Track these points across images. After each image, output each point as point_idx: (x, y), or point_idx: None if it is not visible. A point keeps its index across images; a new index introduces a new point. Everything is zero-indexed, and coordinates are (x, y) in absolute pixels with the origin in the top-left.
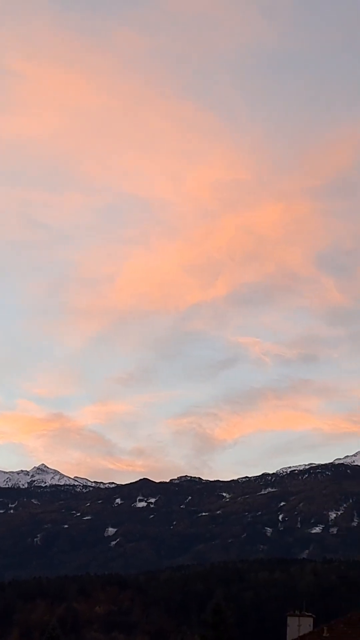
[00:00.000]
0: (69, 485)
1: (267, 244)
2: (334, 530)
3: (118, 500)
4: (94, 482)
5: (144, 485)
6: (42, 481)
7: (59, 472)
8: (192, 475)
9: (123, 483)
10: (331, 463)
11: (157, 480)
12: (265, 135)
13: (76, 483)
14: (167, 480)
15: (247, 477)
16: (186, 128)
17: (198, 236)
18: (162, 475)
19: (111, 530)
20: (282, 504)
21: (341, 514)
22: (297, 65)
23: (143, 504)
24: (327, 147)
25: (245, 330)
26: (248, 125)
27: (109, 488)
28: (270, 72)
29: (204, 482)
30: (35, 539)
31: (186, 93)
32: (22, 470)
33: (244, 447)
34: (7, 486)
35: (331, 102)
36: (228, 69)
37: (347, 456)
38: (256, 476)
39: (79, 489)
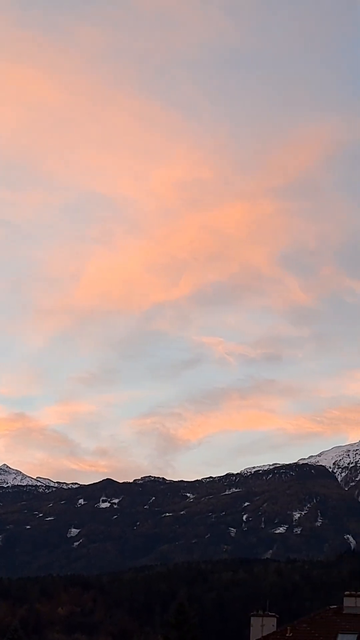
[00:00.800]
0: (32, 485)
1: (231, 244)
2: (298, 530)
3: (81, 501)
4: (57, 482)
5: (108, 486)
6: (4, 482)
7: (21, 472)
8: (156, 476)
9: (86, 483)
10: (295, 463)
11: (120, 481)
12: (229, 135)
13: (39, 483)
14: (131, 481)
15: (211, 477)
16: (149, 126)
17: (161, 235)
18: (125, 475)
19: (74, 531)
20: (246, 504)
21: (305, 514)
22: (261, 64)
23: (106, 504)
24: (291, 146)
25: (209, 330)
26: (211, 125)
27: (72, 488)
28: (234, 72)
29: (167, 483)
30: None
31: (149, 91)
32: None
33: (208, 447)
34: None
35: (294, 101)
36: (191, 67)
37: (312, 456)
38: (220, 476)
39: (41, 490)
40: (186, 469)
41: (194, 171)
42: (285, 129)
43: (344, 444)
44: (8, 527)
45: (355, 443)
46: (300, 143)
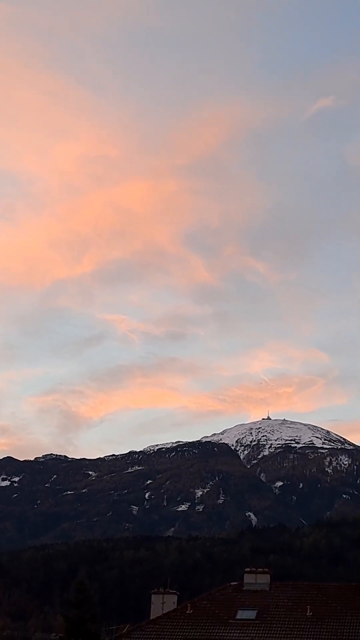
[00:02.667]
0: None
1: (135, 221)
2: (200, 507)
3: None
4: None
5: (8, 464)
6: None
7: None
8: (58, 454)
9: None
10: (198, 441)
11: (21, 459)
12: (135, 112)
13: None
14: (32, 459)
15: (114, 455)
16: (53, 101)
17: (65, 211)
18: (26, 453)
19: None
20: (148, 482)
21: (207, 491)
22: (168, 43)
23: (6, 482)
24: (196, 125)
25: (112, 308)
26: (117, 102)
27: None
28: (141, 50)
29: (69, 461)
30: None
31: (55, 66)
32: None
33: (111, 425)
34: None
35: (200, 81)
36: (98, 44)
37: (215, 434)
38: (123, 454)
39: None
40: (88, 446)
41: (99, 148)
42: (191, 108)
43: (246, 422)
44: None
45: (257, 421)
46: (205, 122)
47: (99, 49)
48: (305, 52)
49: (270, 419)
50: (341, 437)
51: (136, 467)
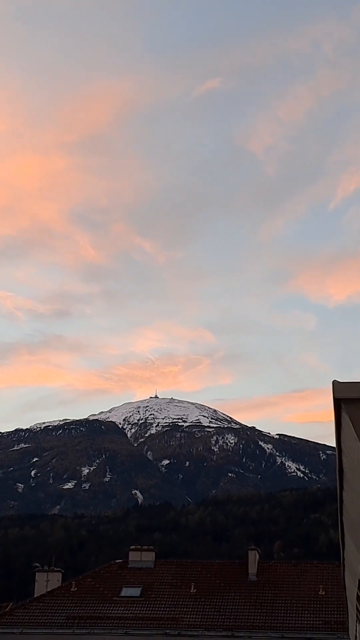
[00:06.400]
0: None
1: (22, 198)
2: (86, 485)
3: None
4: None
5: None
6: None
7: None
8: None
9: None
10: (86, 419)
11: None
12: (22, 87)
13: None
14: None
15: None
16: None
17: None
18: None
19: None
20: (35, 459)
21: (94, 469)
22: (56, 18)
23: None
24: (84, 102)
25: None
26: (3, 76)
27: None
28: (28, 24)
29: None
30: None
31: None
32: None
33: None
34: None
35: (89, 58)
36: None
37: (102, 412)
38: (9, 432)
39: None
40: None
41: None
42: (79, 84)
43: (133, 401)
44: None
45: (145, 400)
46: (93, 99)
47: None
48: (195, 33)
49: (157, 397)
50: (228, 416)
51: (22, 444)
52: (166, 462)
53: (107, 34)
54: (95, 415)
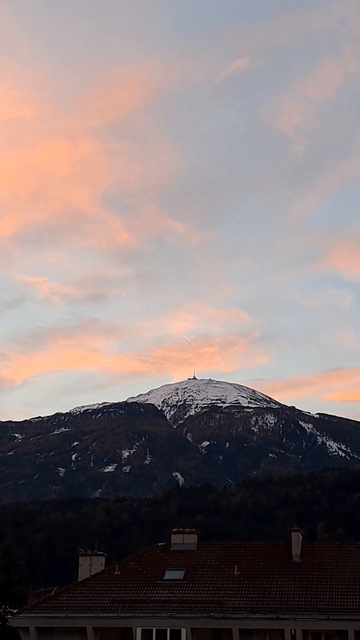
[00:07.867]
0: None
1: (53, 184)
2: (127, 468)
3: None
4: None
5: None
6: None
7: None
8: None
9: None
10: (124, 402)
11: None
12: (50, 74)
13: None
14: None
15: (40, 417)
16: None
17: None
18: None
19: None
20: (75, 443)
21: (134, 452)
22: (81, 4)
23: None
24: (111, 87)
25: (32, 270)
26: (31, 64)
27: None
28: (54, 11)
29: None
30: None
31: None
32: None
33: (34, 387)
34: None
35: (114, 42)
36: (10, 4)
37: (141, 395)
38: (49, 416)
39: None
40: (12, 409)
41: (13, 110)
42: (106, 69)
43: (171, 382)
44: None
45: (183, 381)
46: (120, 84)
47: (11, 10)
48: (220, 14)
49: (196, 379)
50: (267, 396)
51: (62, 428)
52: (206, 443)
53: (132, 18)
54: (134, 397)
